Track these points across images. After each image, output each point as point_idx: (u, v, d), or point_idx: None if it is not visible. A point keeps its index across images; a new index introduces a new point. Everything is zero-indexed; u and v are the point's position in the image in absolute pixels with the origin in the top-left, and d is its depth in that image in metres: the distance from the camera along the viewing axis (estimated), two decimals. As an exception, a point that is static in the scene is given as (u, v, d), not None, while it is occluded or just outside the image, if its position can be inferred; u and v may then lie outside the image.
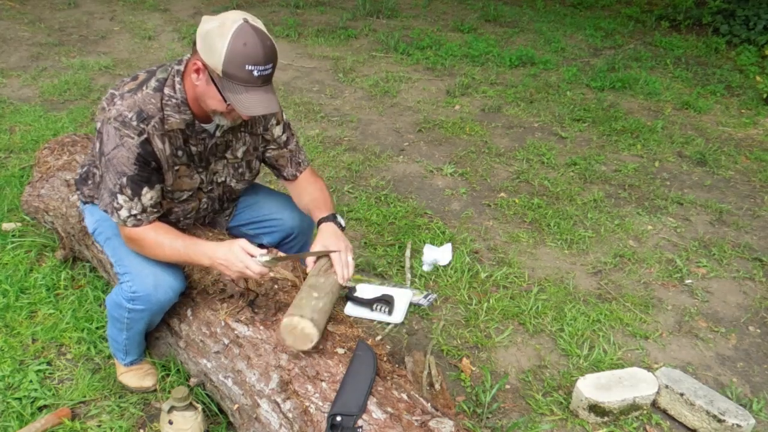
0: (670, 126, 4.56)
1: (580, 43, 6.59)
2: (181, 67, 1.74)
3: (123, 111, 1.68)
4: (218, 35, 1.55)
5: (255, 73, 1.58)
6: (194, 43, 1.63)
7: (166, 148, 1.73)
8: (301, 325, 1.59)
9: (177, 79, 1.72)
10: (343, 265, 1.78)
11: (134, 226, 1.76)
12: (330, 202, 1.98)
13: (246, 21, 1.57)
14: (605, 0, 8.38)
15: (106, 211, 1.77)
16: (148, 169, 1.73)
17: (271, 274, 1.75)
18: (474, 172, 3.77)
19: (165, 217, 1.88)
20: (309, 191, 2.03)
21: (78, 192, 2.08)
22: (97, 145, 1.75)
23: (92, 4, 7.05)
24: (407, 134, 4.25)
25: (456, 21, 7.11)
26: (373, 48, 6.07)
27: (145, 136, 1.68)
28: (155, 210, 1.79)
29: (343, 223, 1.90)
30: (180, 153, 1.78)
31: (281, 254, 1.77)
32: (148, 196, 1.75)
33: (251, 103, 1.61)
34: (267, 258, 1.68)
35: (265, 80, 1.61)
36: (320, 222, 1.90)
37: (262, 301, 1.89)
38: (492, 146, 4.10)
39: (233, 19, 1.57)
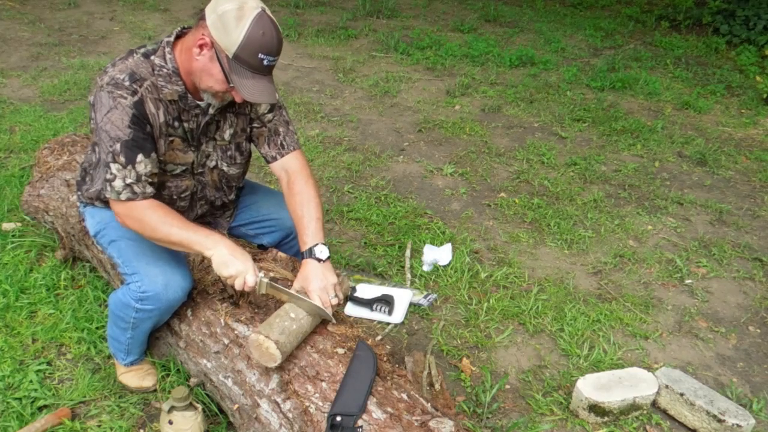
0: (670, 126, 4.56)
1: (580, 43, 6.59)
2: (171, 39, 1.74)
3: (115, 75, 1.68)
4: (236, 18, 1.57)
5: (265, 62, 1.62)
6: (200, 18, 1.64)
7: (159, 114, 1.72)
8: (266, 344, 1.60)
9: (167, 50, 1.73)
10: (325, 305, 1.76)
11: (129, 199, 1.71)
12: (314, 223, 1.88)
13: (264, 10, 1.61)
14: (605, 0, 8.39)
15: (102, 190, 1.72)
16: (143, 132, 1.69)
17: (260, 292, 1.76)
18: (474, 172, 3.77)
19: (158, 193, 1.83)
20: (296, 202, 1.93)
21: (78, 193, 2.07)
22: (91, 118, 1.72)
23: (92, 4, 7.05)
24: (407, 134, 4.25)
25: (456, 21, 7.11)
26: (373, 48, 6.07)
27: (138, 96, 1.67)
28: (150, 181, 1.74)
29: (323, 255, 1.83)
30: (176, 124, 1.78)
31: (280, 286, 1.76)
32: (143, 164, 1.71)
33: (256, 90, 1.64)
34: (266, 280, 1.73)
35: (270, 70, 1.67)
36: (302, 255, 1.86)
37: (262, 300, 1.89)
38: (492, 146, 4.10)
39: (252, 5, 1.60)
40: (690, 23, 7.22)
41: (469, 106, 4.77)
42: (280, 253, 2.04)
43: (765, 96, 5.08)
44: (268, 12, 1.63)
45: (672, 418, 2.12)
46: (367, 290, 2.59)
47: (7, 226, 2.88)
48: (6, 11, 6.58)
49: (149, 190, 1.75)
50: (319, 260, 1.82)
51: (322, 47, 6.02)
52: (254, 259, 1.97)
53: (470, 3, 8.05)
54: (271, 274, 1.91)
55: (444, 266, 2.84)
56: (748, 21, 6.66)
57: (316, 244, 1.84)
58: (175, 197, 1.92)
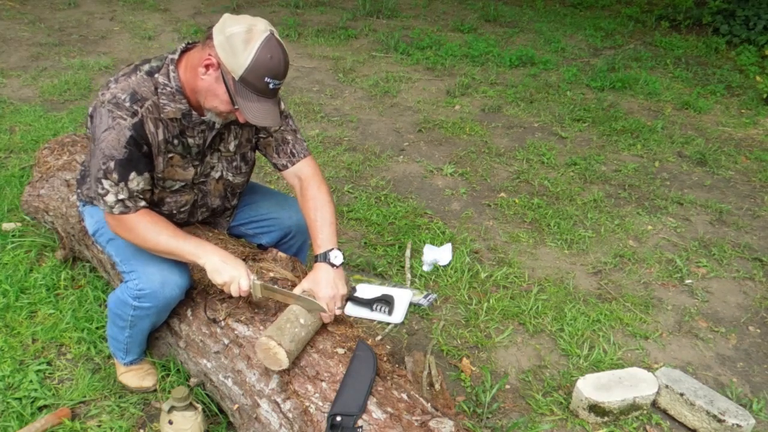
0: (670, 126, 4.56)
1: (580, 43, 6.59)
2: (175, 56, 1.74)
3: (117, 93, 1.68)
4: (244, 41, 1.57)
5: (271, 85, 1.62)
6: (207, 36, 1.63)
7: (159, 133, 1.72)
8: (275, 350, 1.60)
9: (171, 67, 1.72)
10: (330, 312, 1.76)
11: (122, 213, 1.73)
12: (328, 227, 1.89)
13: (272, 33, 1.61)
14: (605, 0, 8.39)
15: (93, 198, 1.73)
16: (138, 153, 1.70)
17: (257, 295, 1.76)
18: (474, 172, 3.77)
19: (157, 209, 1.86)
20: (310, 207, 1.93)
21: (78, 192, 2.07)
22: (88, 127, 1.73)
23: (92, 4, 7.05)
24: (407, 134, 4.25)
25: (456, 21, 7.11)
26: (373, 48, 6.07)
27: (138, 118, 1.67)
28: (142, 197, 1.76)
29: (337, 260, 1.83)
30: (176, 142, 1.78)
31: (274, 287, 1.76)
32: (135, 182, 1.72)
33: (260, 113, 1.65)
34: (259, 282, 1.73)
35: (276, 93, 1.67)
36: (315, 258, 1.86)
37: (262, 301, 1.89)
38: (492, 146, 4.10)
39: (261, 29, 1.60)
40: (690, 23, 7.22)
41: (469, 106, 4.77)
42: (280, 253, 2.04)
43: (765, 96, 5.08)
44: (277, 35, 1.62)
45: (672, 418, 2.12)
46: (367, 290, 2.59)
47: (7, 226, 2.89)
48: (6, 11, 6.59)
49: (141, 204, 1.76)
50: (333, 265, 1.82)
51: (322, 47, 6.02)
52: (254, 259, 1.98)
53: (470, 3, 8.05)
54: (271, 274, 1.91)
55: (444, 266, 2.84)
56: (748, 21, 6.66)
57: (331, 249, 1.85)
58: (174, 211, 1.93)
